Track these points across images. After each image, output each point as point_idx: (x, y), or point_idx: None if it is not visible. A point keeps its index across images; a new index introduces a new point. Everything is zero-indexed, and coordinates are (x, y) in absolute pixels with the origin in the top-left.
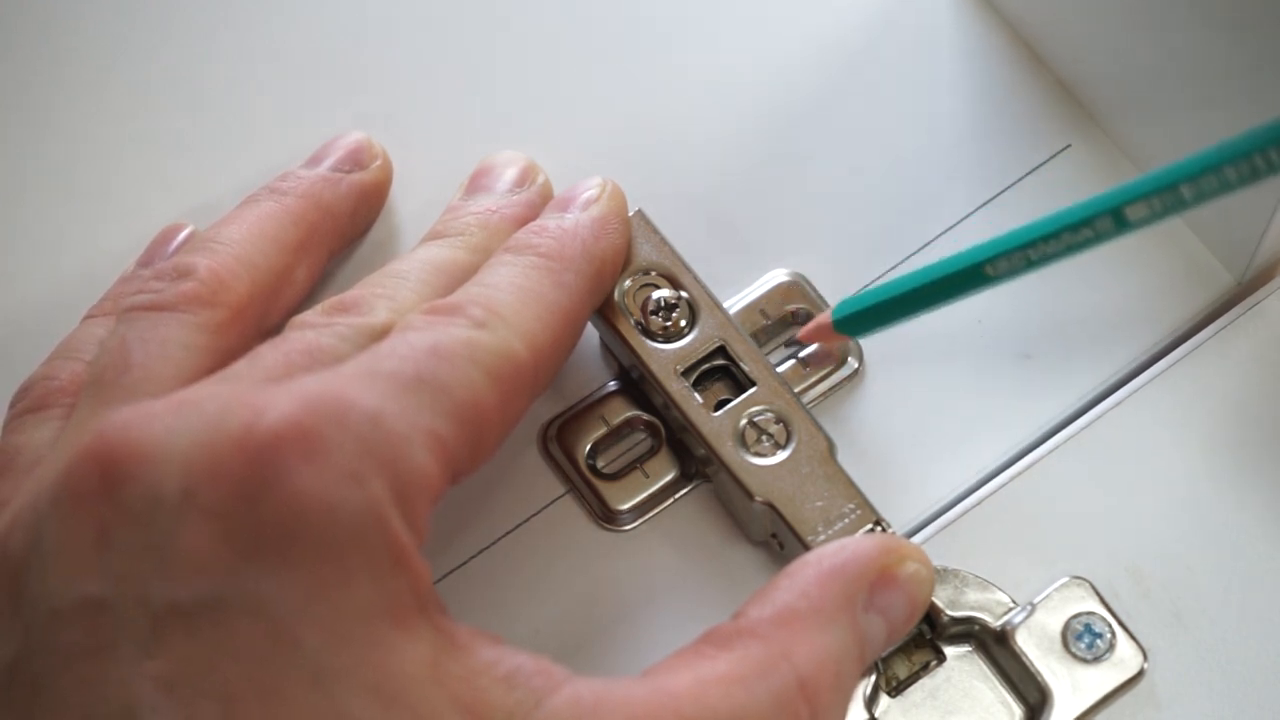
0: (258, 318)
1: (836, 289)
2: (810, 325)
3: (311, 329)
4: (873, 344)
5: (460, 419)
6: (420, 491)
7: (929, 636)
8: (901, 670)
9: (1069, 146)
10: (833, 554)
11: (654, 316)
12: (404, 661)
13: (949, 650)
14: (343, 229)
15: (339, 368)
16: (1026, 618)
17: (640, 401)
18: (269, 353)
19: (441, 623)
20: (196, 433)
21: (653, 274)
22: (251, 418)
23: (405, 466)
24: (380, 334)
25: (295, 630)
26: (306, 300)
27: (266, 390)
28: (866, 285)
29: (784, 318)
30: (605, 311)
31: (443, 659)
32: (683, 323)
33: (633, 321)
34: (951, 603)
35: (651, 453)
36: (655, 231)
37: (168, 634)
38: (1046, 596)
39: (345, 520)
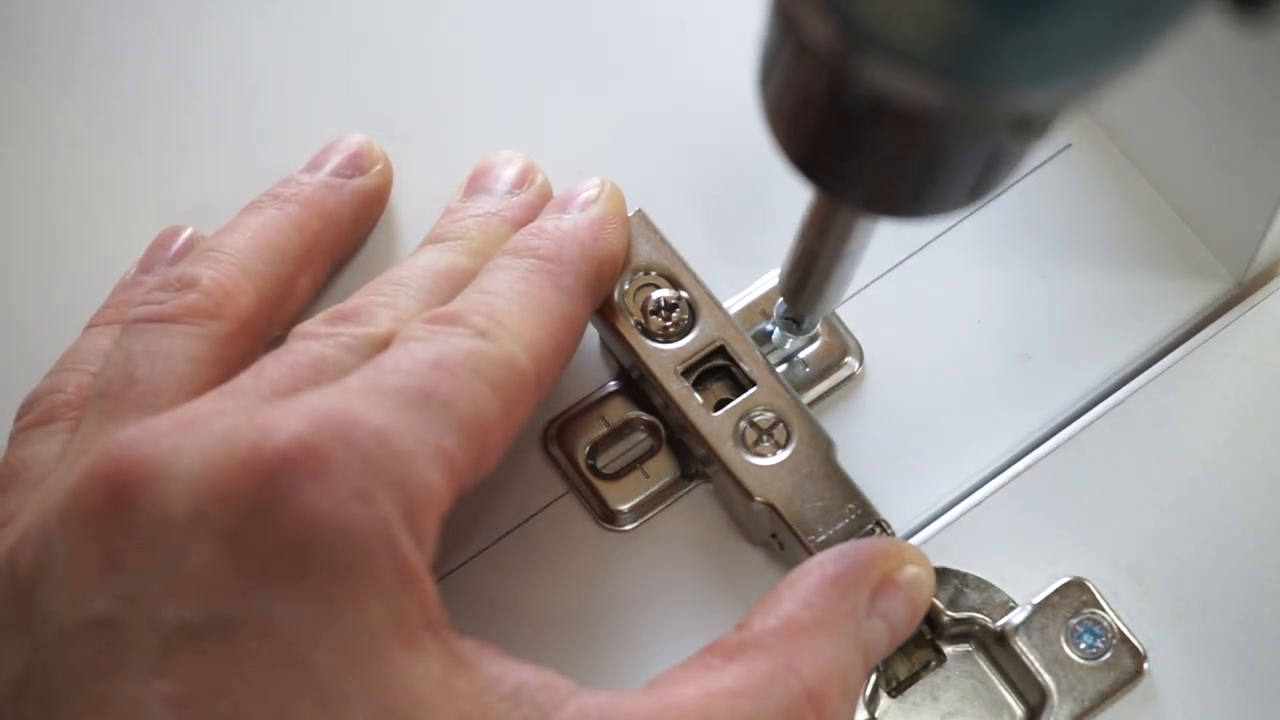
0: (263, 328)
1: None
2: None
3: (315, 340)
4: (873, 344)
5: (466, 432)
6: (428, 508)
7: (929, 637)
8: (901, 670)
9: (1069, 146)
10: (834, 561)
11: (654, 316)
12: (413, 680)
13: (949, 650)
14: (345, 236)
15: (344, 382)
16: (1026, 618)
17: (640, 401)
18: (273, 365)
19: (448, 639)
20: (204, 452)
21: (653, 274)
22: (259, 437)
23: (413, 484)
24: (383, 343)
25: (305, 651)
26: (309, 308)
27: (273, 408)
28: (865, 285)
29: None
30: (605, 311)
31: (450, 677)
32: (683, 322)
33: (633, 321)
34: (951, 603)
35: (651, 453)
36: (655, 231)
37: (177, 654)
38: (1046, 596)
39: (354, 539)
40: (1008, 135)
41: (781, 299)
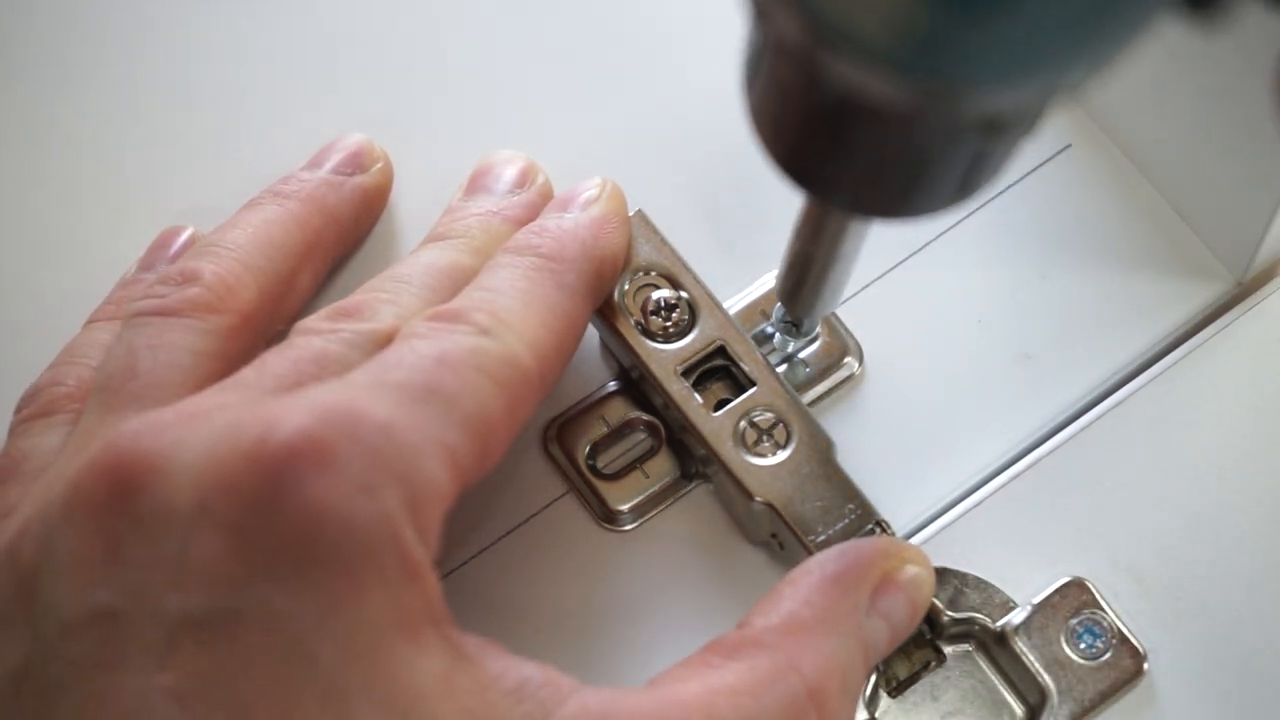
0: (264, 323)
1: None
2: None
3: (318, 335)
4: (873, 344)
5: (469, 429)
6: (432, 503)
7: (929, 636)
8: (901, 670)
9: (1069, 146)
10: (834, 560)
11: (654, 316)
12: (415, 675)
13: (949, 650)
14: (345, 233)
15: (348, 377)
16: (1026, 618)
17: (640, 401)
18: (276, 360)
19: (451, 635)
20: (208, 445)
21: (653, 274)
22: (264, 431)
23: (418, 479)
24: (385, 339)
25: (308, 644)
26: (309, 305)
27: (278, 402)
28: (865, 285)
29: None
30: (605, 311)
31: (453, 672)
32: (683, 323)
33: (633, 321)
34: (951, 603)
35: (651, 453)
36: (655, 231)
37: (180, 646)
38: (1046, 596)
39: (359, 533)
40: (981, 135)
41: (779, 303)
